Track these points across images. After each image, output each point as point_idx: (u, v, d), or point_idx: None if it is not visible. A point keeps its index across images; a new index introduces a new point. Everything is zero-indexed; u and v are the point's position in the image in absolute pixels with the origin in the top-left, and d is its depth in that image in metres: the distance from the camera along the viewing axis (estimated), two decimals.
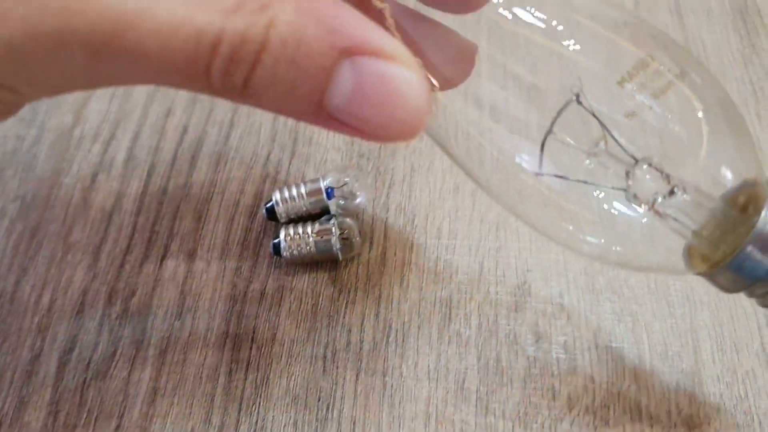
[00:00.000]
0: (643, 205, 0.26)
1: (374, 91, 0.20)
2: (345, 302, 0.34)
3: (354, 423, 0.31)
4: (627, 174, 0.26)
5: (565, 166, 0.26)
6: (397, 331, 0.33)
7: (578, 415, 0.31)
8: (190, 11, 0.19)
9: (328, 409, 0.32)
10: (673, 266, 0.27)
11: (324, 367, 0.33)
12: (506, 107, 0.26)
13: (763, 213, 0.25)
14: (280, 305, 0.34)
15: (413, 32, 0.26)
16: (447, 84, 0.26)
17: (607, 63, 0.25)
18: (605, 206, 0.26)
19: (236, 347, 0.33)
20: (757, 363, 0.32)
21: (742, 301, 0.34)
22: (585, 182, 0.26)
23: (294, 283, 0.35)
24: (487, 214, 0.36)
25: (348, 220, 0.35)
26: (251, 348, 0.33)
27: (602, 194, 0.26)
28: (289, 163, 0.38)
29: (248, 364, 0.33)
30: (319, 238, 0.34)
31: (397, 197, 0.37)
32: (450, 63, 0.26)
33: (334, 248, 0.34)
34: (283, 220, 0.35)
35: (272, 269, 0.35)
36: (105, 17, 0.19)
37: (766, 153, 0.38)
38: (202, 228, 0.36)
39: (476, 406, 0.31)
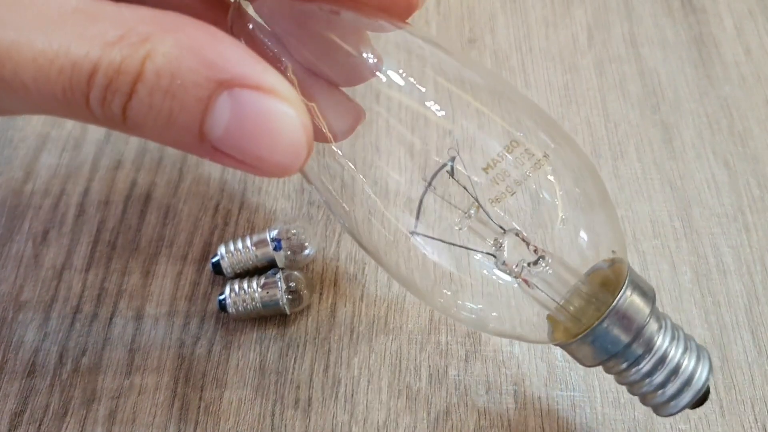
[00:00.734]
0: (511, 273, 0.26)
1: (252, 124, 0.20)
2: (294, 357, 0.34)
3: None
4: (495, 242, 0.26)
5: (438, 230, 0.26)
6: (346, 386, 0.33)
7: None
8: (67, 42, 0.19)
9: None
10: (538, 336, 0.28)
11: (272, 425, 0.32)
12: (384, 168, 0.27)
13: (621, 290, 0.25)
14: (227, 362, 0.34)
15: (309, 86, 0.26)
16: (333, 137, 0.26)
17: (480, 138, 0.26)
18: (478, 272, 0.27)
19: (184, 407, 0.33)
20: (710, 409, 0.32)
21: None
22: (456, 245, 0.26)
23: (242, 339, 0.34)
24: None
25: (295, 272, 0.35)
26: (199, 408, 0.33)
27: (477, 260, 0.27)
28: (238, 214, 0.38)
29: (196, 424, 0.32)
30: (264, 293, 0.34)
31: (348, 246, 0.37)
32: (338, 117, 0.27)
33: (281, 302, 0.34)
34: (229, 275, 0.35)
35: (220, 325, 0.35)
36: None
37: (720, 188, 0.38)
38: (151, 284, 0.36)
39: None
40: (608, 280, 0.26)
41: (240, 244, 0.35)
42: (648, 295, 0.26)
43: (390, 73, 0.26)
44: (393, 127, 0.27)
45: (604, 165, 0.39)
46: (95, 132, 0.42)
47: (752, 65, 0.42)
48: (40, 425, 0.33)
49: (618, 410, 0.32)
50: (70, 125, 0.42)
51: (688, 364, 0.26)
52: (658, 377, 0.26)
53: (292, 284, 0.34)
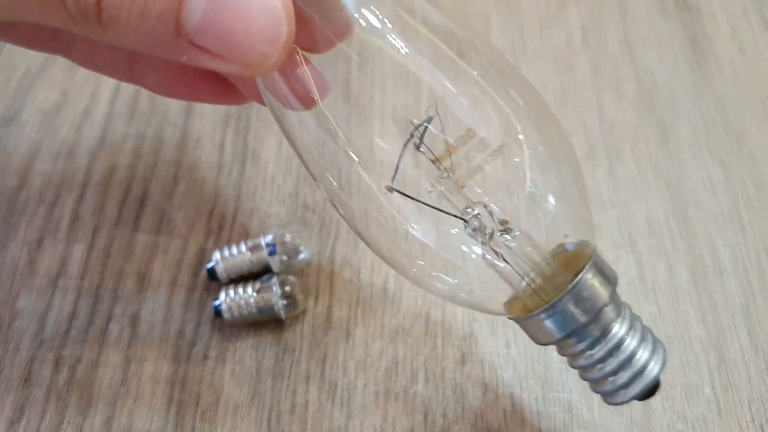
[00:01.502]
0: (478, 241, 0.27)
1: (229, 5, 0.20)
2: (290, 362, 0.34)
3: None
4: (465, 210, 0.27)
5: (411, 192, 0.26)
6: (342, 390, 0.33)
7: None
8: None
9: None
10: (494, 307, 0.28)
11: (269, 430, 0.32)
12: (363, 125, 0.28)
13: (584, 270, 0.26)
14: (223, 368, 0.34)
15: None
16: (314, 45, 0.26)
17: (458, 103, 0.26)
18: (446, 238, 0.27)
19: (180, 413, 0.33)
20: (707, 409, 0.32)
21: (693, 345, 0.33)
22: (429, 205, 0.26)
23: (237, 344, 0.34)
24: None
25: (290, 277, 0.34)
26: (195, 413, 0.33)
27: (446, 226, 0.27)
28: (233, 219, 0.38)
29: (193, 430, 0.32)
30: (259, 298, 0.34)
31: (343, 249, 0.37)
32: (325, 19, 0.26)
33: (276, 308, 0.34)
34: (224, 280, 0.35)
35: (215, 330, 0.35)
36: None
37: (716, 187, 0.38)
38: (146, 290, 0.36)
39: None
40: (572, 261, 0.26)
41: (235, 250, 0.35)
42: (610, 280, 0.26)
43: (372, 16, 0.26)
44: (375, 77, 0.27)
45: (600, 165, 0.39)
46: (89, 138, 0.41)
47: (747, 64, 0.42)
48: None
49: (615, 412, 0.32)
50: (64, 131, 0.42)
51: (642, 355, 0.26)
52: (611, 365, 0.26)
53: (288, 289, 0.34)
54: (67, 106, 0.43)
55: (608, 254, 0.36)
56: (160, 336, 0.35)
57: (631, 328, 0.26)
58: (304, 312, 0.35)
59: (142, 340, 0.35)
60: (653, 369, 0.26)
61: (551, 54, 0.44)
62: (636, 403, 0.31)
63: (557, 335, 0.26)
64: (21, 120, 0.43)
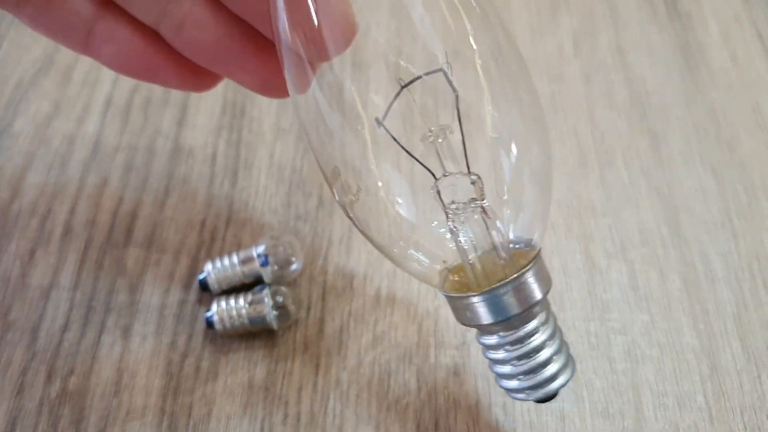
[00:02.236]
0: (442, 204, 0.27)
1: None
2: (282, 373, 0.34)
3: None
4: (443, 173, 0.27)
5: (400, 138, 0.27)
6: (335, 401, 0.33)
7: None
8: None
9: None
10: (431, 277, 0.29)
11: None
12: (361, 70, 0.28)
13: (530, 265, 0.27)
14: (215, 379, 0.34)
15: None
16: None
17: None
18: (419, 201, 0.28)
19: (173, 425, 0.33)
20: (699, 417, 0.32)
21: (685, 353, 0.33)
22: (408, 152, 0.27)
23: (230, 356, 0.34)
24: None
25: (282, 288, 0.34)
26: (188, 426, 0.33)
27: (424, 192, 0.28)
28: (225, 229, 0.38)
29: None
30: (251, 309, 0.34)
31: (335, 259, 0.37)
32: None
33: (268, 318, 0.34)
34: (216, 292, 0.35)
35: (207, 342, 0.35)
36: None
37: (707, 195, 0.38)
38: (138, 301, 0.36)
39: None
40: (517, 256, 0.27)
41: (226, 261, 0.35)
42: (546, 284, 0.27)
43: None
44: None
45: (592, 174, 0.39)
46: (81, 150, 0.42)
47: (739, 71, 0.42)
48: None
49: (607, 421, 0.32)
50: (56, 143, 0.42)
51: (553, 366, 0.27)
52: (522, 366, 0.27)
53: (280, 299, 0.34)
54: (59, 117, 0.43)
55: (600, 263, 0.36)
56: (153, 348, 0.35)
57: (551, 337, 0.27)
58: (296, 323, 0.35)
59: (135, 352, 0.35)
60: (558, 382, 0.27)
61: (542, 62, 0.44)
62: (628, 413, 0.32)
63: (486, 320, 0.27)
64: (13, 131, 0.43)
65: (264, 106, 0.43)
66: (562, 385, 0.27)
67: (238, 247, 0.37)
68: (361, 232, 0.29)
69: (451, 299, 0.28)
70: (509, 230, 0.28)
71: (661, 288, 0.35)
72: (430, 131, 0.28)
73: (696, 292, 0.35)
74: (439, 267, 0.29)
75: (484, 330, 0.28)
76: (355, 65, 0.28)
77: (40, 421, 0.33)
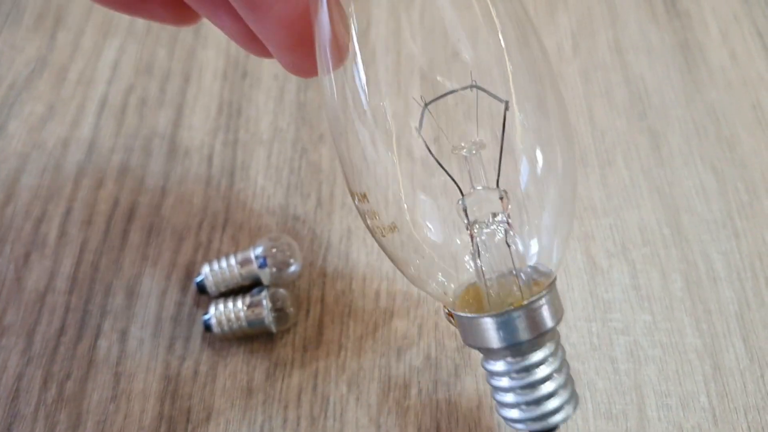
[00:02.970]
0: (464, 222, 0.27)
1: None
2: (281, 376, 0.33)
3: None
4: (470, 190, 0.27)
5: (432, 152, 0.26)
6: (335, 404, 0.32)
7: None
8: None
9: None
10: (444, 294, 0.28)
11: None
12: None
13: (544, 292, 0.26)
14: (214, 383, 0.33)
15: None
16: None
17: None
18: (440, 212, 0.28)
19: (171, 429, 0.32)
20: (703, 418, 0.31)
21: (688, 354, 0.33)
22: (440, 164, 0.26)
23: (228, 359, 0.34)
24: None
25: (281, 290, 0.34)
26: (186, 430, 0.32)
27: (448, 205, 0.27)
28: (222, 231, 0.38)
29: None
30: (250, 312, 0.33)
31: (334, 260, 0.36)
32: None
33: (266, 321, 0.33)
34: (214, 294, 0.35)
35: (205, 345, 0.34)
36: None
37: (708, 194, 0.38)
38: (135, 305, 0.36)
39: None
40: (537, 282, 0.27)
41: (224, 263, 0.34)
42: (558, 313, 0.27)
43: None
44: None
45: (592, 173, 0.39)
46: (76, 152, 0.41)
47: (738, 70, 0.42)
48: None
49: (610, 422, 0.31)
50: (51, 145, 0.41)
51: (556, 400, 0.26)
52: (526, 396, 0.26)
53: (278, 302, 0.34)
54: (53, 119, 0.43)
55: (601, 263, 0.36)
56: (150, 351, 0.34)
57: (559, 369, 0.27)
58: (295, 325, 0.35)
59: (132, 356, 0.34)
60: (559, 416, 0.27)
61: None
62: (631, 414, 0.31)
63: (495, 344, 0.26)
64: (7, 133, 0.42)
65: (261, 106, 0.43)
66: (563, 420, 0.27)
67: (235, 249, 0.37)
68: (382, 237, 0.29)
69: (461, 319, 0.27)
70: (528, 255, 0.28)
71: (663, 288, 0.35)
72: (463, 145, 0.27)
73: (698, 292, 0.35)
74: (453, 285, 0.28)
75: (491, 355, 0.27)
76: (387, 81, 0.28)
77: (36, 427, 0.33)
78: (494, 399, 0.28)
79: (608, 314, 0.34)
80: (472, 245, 0.27)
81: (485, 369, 0.28)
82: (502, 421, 0.31)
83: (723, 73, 0.42)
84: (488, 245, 0.27)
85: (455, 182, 0.26)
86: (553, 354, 0.27)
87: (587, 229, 0.37)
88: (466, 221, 0.27)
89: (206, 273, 0.35)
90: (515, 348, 0.26)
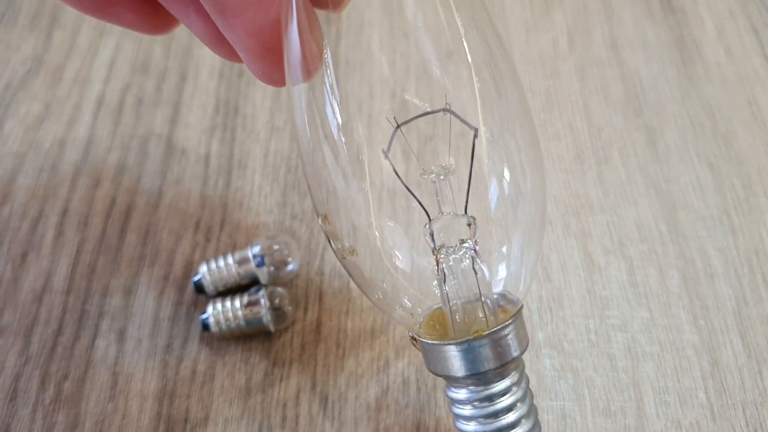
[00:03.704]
0: (432, 246, 0.26)
1: None
2: (279, 375, 0.33)
3: None
4: (438, 215, 0.27)
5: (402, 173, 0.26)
6: (334, 402, 0.33)
7: None
8: None
9: None
10: (407, 319, 0.28)
11: None
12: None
13: (511, 320, 0.26)
14: (212, 382, 0.33)
15: None
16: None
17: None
18: (404, 236, 0.27)
19: (169, 430, 0.32)
20: (701, 414, 0.31)
21: (686, 350, 0.33)
22: (408, 189, 0.26)
23: (226, 358, 0.34)
24: None
25: (279, 289, 0.34)
26: (185, 430, 0.32)
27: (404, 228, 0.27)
28: (220, 230, 0.38)
29: None
30: (248, 311, 0.33)
31: (332, 259, 0.36)
32: None
33: (265, 320, 0.33)
34: (211, 293, 0.35)
35: (203, 344, 0.34)
36: None
37: (705, 190, 0.38)
38: (132, 305, 0.36)
39: None
40: (504, 311, 0.27)
41: (222, 262, 0.34)
42: (524, 343, 0.27)
43: None
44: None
45: (588, 170, 0.39)
46: (73, 152, 0.41)
47: (734, 66, 0.42)
48: None
49: (609, 419, 0.31)
50: (47, 145, 0.41)
51: (517, 430, 0.26)
52: (488, 425, 0.26)
53: (276, 301, 0.34)
54: (49, 119, 0.43)
55: (599, 260, 0.36)
56: (148, 351, 0.34)
57: (522, 399, 0.27)
58: (293, 324, 0.35)
59: (130, 356, 0.34)
60: None
61: (537, 59, 0.44)
62: (630, 410, 0.31)
63: (459, 372, 0.26)
64: (3, 133, 0.42)
65: (258, 104, 0.43)
66: None
67: (233, 248, 0.37)
68: (342, 259, 0.28)
69: (425, 345, 0.27)
70: (495, 281, 0.27)
71: (661, 284, 0.35)
72: (432, 169, 0.27)
73: (695, 288, 0.35)
74: (418, 310, 0.28)
75: (453, 382, 0.27)
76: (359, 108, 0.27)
77: (33, 427, 0.33)
78: (456, 427, 0.27)
79: (606, 311, 0.34)
80: (438, 271, 0.26)
81: (448, 396, 0.27)
82: None
83: (719, 69, 0.42)
84: (455, 271, 0.26)
85: (422, 207, 0.26)
86: (516, 383, 0.26)
87: (584, 226, 0.37)
88: (432, 246, 0.26)
89: (204, 272, 0.34)
90: (479, 377, 0.26)
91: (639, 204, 0.37)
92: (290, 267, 0.35)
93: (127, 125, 0.42)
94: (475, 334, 0.25)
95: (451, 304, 0.26)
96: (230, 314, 0.33)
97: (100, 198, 0.39)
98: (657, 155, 0.39)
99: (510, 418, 0.26)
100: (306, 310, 0.35)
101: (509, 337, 0.26)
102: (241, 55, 0.26)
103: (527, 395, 0.27)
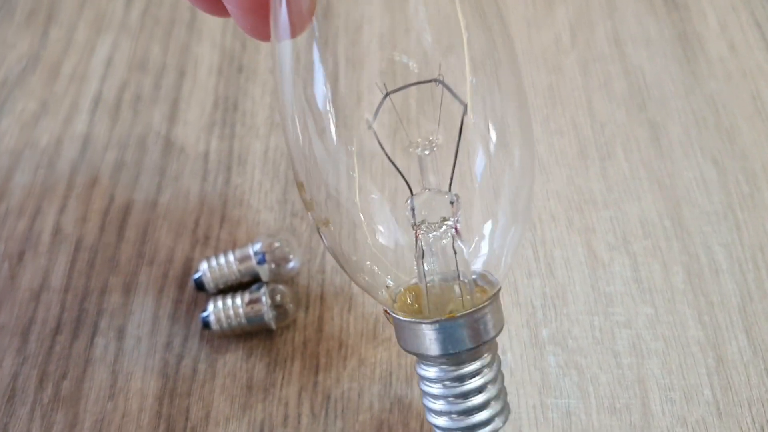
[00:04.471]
0: (412, 221, 0.26)
1: None
2: (281, 373, 0.33)
3: None
4: (421, 189, 0.26)
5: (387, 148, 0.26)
6: (336, 400, 0.32)
7: None
8: None
9: None
10: (381, 293, 0.27)
11: None
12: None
13: (488, 301, 0.25)
14: (213, 381, 0.33)
15: None
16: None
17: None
18: (387, 212, 0.27)
19: (170, 429, 0.32)
20: (707, 411, 0.31)
21: (691, 346, 0.33)
22: (392, 161, 0.25)
23: (227, 356, 0.33)
24: None
25: (280, 286, 0.34)
26: (185, 429, 0.32)
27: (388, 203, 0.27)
28: (220, 228, 0.37)
29: None
30: (249, 308, 0.33)
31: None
32: None
33: (266, 318, 0.33)
34: (212, 291, 0.34)
35: (204, 342, 0.34)
36: None
37: (709, 185, 0.37)
38: (131, 303, 0.35)
39: None
40: (483, 291, 0.26)
41: (222, 259, 0.34)
42: (500, 324, 0.26)
43: None
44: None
45: (592, 166, 0.38)
46: (70, 149, 0.41)
47: (737, 60, 0.42)
48: None
49: (614, 416, 0.31)
50: (44, 143, 0.41)
51: (487, 412, 0.26)
52: (457, 405, 0.26)
53: (278, 298, 0.33)
54: (46, 116, 0.42)
55: (603, 256, 0.35)
56: (148, 350, 0.34)
57: (493, 380, 0.26)
58: (294, 322, 0.34)
59: (129, 355, 0.34)
60: (486, 429, 0.26)
61: (540, 54, 0.43)
62: (635, 408, 0.31)
63: (433, 351, 0.25)
64: None
65: (257, 100, 0.42)
66: None
67: (233, 245, 0.36)
68: (317, 229, 0.28)
69: (399, 321, 0.26)
70: (476, 261, 0.27)
71: (665, 280, 0.35)
72: (418, 142, 0.26)
73: (700, 284, 0.34)
74: (393, 285, 0.27)
75: (425, 360, 0.26)
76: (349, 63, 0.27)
77: (32, 427, 0.32)
78: (424, 404, 0.27)
79: (610, 308, 0.34)
80: (417, 247, 0.26)
81: (418, 373, 0.27)
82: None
83: (722, 64, 0.42)
84: (434, 248, 0.26)
85: (405, 180, 0.26)
86: (488, 365, 0.26)
87: (588, 222, 0.36)
88: (413, 221, 0.26)
89: (204, 270, 0.34)
90: (452, 357, 0.25)
91: (643, 200, 0.37)
92: (291, 264, 0.34)
93: (125, 122, 0.42)
94: (450, 314, 0.25)
95: (427, 281, 0.26)
96: (231, 312, 0.33)
97: (98, 195, 0.39)
98: (660, 150, 0.39)
99: (480, 398, 0.26)
100: (308, 307, 0.35)
101: (485, 318, 0.25)
102: (229, 7, 0.25)
103: (498, 377, 0.27)
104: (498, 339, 0.32)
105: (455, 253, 0.26)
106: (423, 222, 0.26)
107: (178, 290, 0.35)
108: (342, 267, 0.28)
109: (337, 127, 0.26)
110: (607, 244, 0.36)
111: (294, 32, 0.25)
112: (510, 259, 0.27)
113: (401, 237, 0.27)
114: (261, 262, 0.34)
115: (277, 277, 0.34)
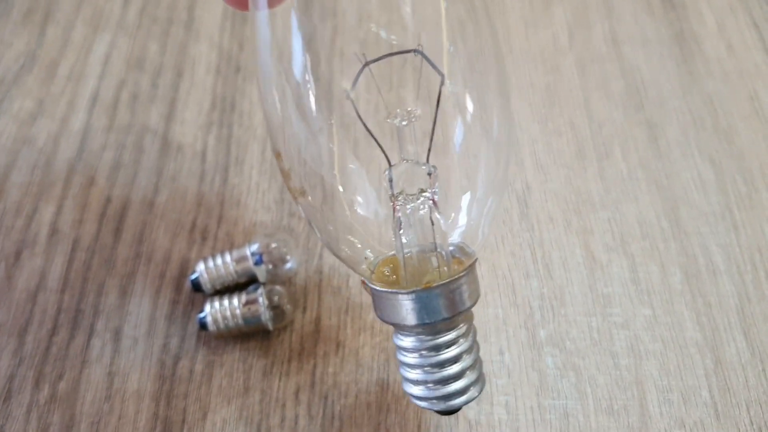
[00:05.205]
0: (390, 192, 0.26)
1: None
2: (278, 375, 0.33)
3: None
4: (400, 160, 0.26)
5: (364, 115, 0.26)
6: (333, 402, 0.32)
7: None
8: None
9: None
10: (359, 264, 0.27)
11: None
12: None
13: (465, 272, 0.25)
14: (210, 382, 0.33)
15: None
16: None
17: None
18: (364, 182, 0.27)
19: (167, 430, 0.32)
20: (705, 413, 0.31)
21: (689, 348, 0.33)
22: (369, 132, 0.25)
23: (224, 358, 0.33)
24: None
25: (277, 287, 0.34)
26: (182, 430, 0.32)
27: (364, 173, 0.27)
28: (217, 228, 0.37)
29: None
30: (246, 309, 0.33)
31: (331, 257, 0.36)
32: None
33: (263, 318, 0.33)
34: (209, 292, 0.34)
35: (201, 344, 0.34)
36: None
37: (706, 186, 0.37)
38: (128, 303, 0.35)
39: None
40: (454, 263, 0.27)
41: (219, 260, 0.34)
42: (476, 295, 0.26)
43: None
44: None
45: (590, 166, 0.38)
46: (67, 148, 0.40)
47: (734, 61, 0.42)
48: None
49: (611, 417, 0.31)
50: (41, 142, 0.41)
51: (463, 381, 0.26)
52: (433, 374, 0.26)
53: (275, 299, 0.33)
54: (43, 115, 0.42)
55: (600, 257, 0.35)
56: (144, 351, 0.34)
57: (468, 351, 0.26)
58: (292, 323, 0.34)
59: (126, 356, 0.34)
60: (464, 398, 0.26)
61: (537, 54, 0.43)
62: (633, 409, 0.31)
63: (410, 321, 0.25)
64: None
65: (254, 100, 0.42)
66: (467, 402, 0.26)
67: (230, 246, 0.36)
68: (294, 199, 0.28)
69: (377, 292, 0.26)
70: (454, 230, 0.27)
71: (663, 282, 0.35)
72: (397, 113, 0.26)
73: (698, 286, 0.34)
74: (371, 256, 0.27)
75: (402, 330, 0.26)
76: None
77: (28, 428, 0.32)
78: (401, 374, 0.27)
79: (608, 309, 0.34)
80: (394, 218, 0.26)
81: (395, 343, 0.27)
82: (503, 417, 0.31)
83: (719, 65, 0.42)
84: (411, 220, 0.26)
85: (383, 151, 0.26)
86: (464, 335, 0.26)
87: (585, 223, 0.36)
88: (390, 192, 0.26)
89: (201, 270, 0.34)
90: (429, 326, 0.26)
91: (640, 200, 0.37)
92: (289, 265, 0.34)
93: (122, 122, 0.41)
94: (426, 284, 0.25)
95: (405, 252, 0.26)
96: (228, 313, 0.33)
97: (94, 195, 0.38)
98: (658, 151, 0.39)
99: (455, 368, 0.26)
100: (305, 308, 0.35)
101: (461, 289, 0.25)
102: None
103: (474, 347, 0.27)
104: (496, 339, 0.32)
105: (432, 224, 0.26)
106: (401, 193, 0.26)
107: (175, 291, 0.35)
108: (322, 239, 0.28)
109: (315, 96, 0.26)
110: (605, 245, 0.36)
111: (272, 2, 0.25)
112: (487, 230, 0.28)
113: (379, 208, 0.27)
114: (258, 263, 0.34)
115: (274, 278, 0.34)
